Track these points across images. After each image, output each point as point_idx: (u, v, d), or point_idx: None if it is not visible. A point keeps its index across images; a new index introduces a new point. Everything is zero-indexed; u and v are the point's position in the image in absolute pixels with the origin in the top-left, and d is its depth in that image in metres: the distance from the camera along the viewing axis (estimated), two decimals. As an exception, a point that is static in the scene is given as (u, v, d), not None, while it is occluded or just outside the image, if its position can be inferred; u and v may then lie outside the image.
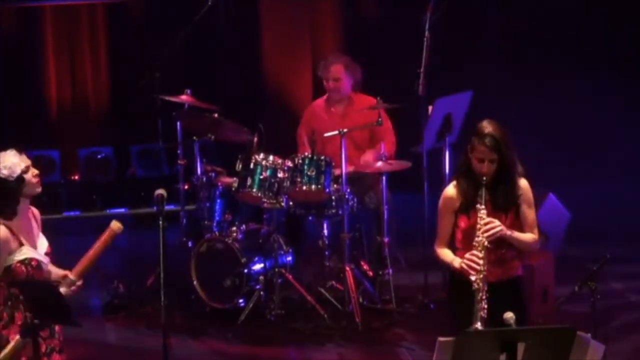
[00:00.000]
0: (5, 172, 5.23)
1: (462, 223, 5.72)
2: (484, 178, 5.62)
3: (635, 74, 12.17)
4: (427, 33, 8.25)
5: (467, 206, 5.69)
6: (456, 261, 5.68)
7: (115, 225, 5.33)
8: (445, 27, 8.71)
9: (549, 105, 12.27)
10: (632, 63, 12.20)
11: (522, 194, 5.72)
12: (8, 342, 5.14)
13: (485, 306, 5.50)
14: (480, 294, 5.51)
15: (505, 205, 5.70)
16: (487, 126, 5.65)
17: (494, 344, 4.52)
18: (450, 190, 5.78)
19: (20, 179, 5.26)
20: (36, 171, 5.35)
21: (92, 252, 5.34)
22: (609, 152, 12.13)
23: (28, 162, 5.34)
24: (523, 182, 5.74)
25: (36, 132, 12.31)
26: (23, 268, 5.18)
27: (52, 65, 12.31)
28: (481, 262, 5.55)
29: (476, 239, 5.60)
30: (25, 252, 5.20)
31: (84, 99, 12.32)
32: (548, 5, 12.32)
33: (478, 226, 5.60)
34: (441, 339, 4.56)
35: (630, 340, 7.49)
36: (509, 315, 4.97)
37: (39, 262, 5.22)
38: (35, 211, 5.44)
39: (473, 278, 5.54)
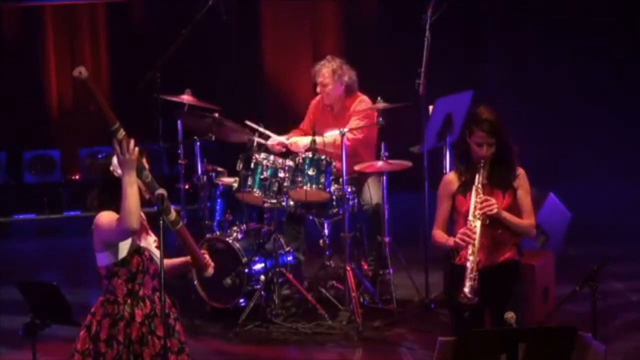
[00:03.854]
0: (117, 170, 5.18)
1: (461, 206, 5.81)
2: (482, 161, 5.77)
3: (638, 74, 12.19)
4: (427, 33, 8.25)
5: (465, 188, 5.81)
6: (450, 239, 5.77)
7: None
8: (445, 26, 8.70)
9: (549, 105, 12.28)
10: (634, 62, 12.21)
11: (519, 177, 5.85)
12: (130, 340, 5.10)
13: (476, 276, 5.60)
14: (472, 265, 5.60)
15: (502, 184, 5.83)
16: (483, 112, 5.83)
17: (495, 343, 4.52)
18: (449, 175, 5.97)
19: None
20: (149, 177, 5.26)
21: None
22: (609, 151, 12.14)
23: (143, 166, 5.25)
24: (520, 169, 5.89)
25: (37, 131, 12.33)
26: (138, 258, 5.16)
27: (53, 64, 12.32)
28: (474, 235, 5.65)
29: (470, 216, 5.70)
30: (140, 242, 5.17)
31: (85, 98, 12.32)
32: (548, 4, 12.33)
33: (473, 202, 5.69)
34: (442, 338, 4.56)
35: (630, 340, 7.49)
36: (510, 315, 4.98)
37: (150, 254, 5.20)
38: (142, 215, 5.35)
39: (468, 251, 5.62)
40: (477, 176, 5.77)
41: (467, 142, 5.83)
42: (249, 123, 8.50)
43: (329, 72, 8.53)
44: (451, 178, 5.93)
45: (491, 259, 5.78)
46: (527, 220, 5.85)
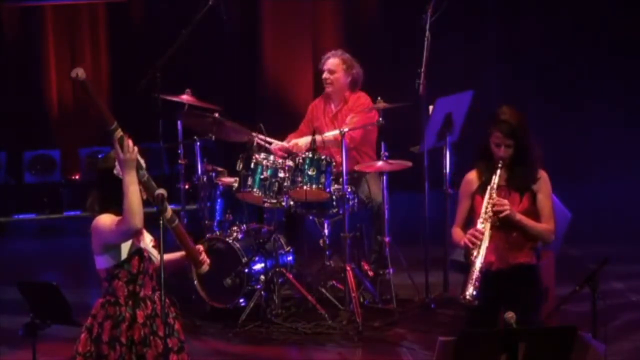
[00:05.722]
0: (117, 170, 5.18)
1: (478, 206, 5.80)
2: (500, 162, 5.74)
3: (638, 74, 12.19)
4: (427, 33, 8.26)
5: (484, 188, 5.79)
6: (463, 239, 5.77)
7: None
8: (445, 26, 8.71)
9: (549, 104, 12.27)
10: (636, 61, 12.21)
11: (540, 180, 5.83)
12: (133, 342, 5.09)
13: (479, 278, 5.58)
14: (476, 267, 5.59)
15: (521, 187, 5.79)
16: (504, 112, 5.81)
17: (495, 344, 4.52)
18: (470, 174, 5.94)
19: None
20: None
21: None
22: (609, 152, 12.13)
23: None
24: (543, 172, 5.86)
25: (37, 131, 12.34)
26: (138, 259, 5.14)
27: (53, 64, 12.33)
28: (482, 236, 5.64)
29: (480, 217, 5.70)
30: (138, 244, 5.17)
31: (85, 99, 12.31)
32: (548, 4, 12.33)
33: (485, 203, 5.67)
34: (442, 338, 4.56)
35: (630, 340, 7.48)
36: (510, 315, 4.98)
37: (149, 255, 5.20)
38: None
39: (473, 253, 5.62)
40: (493, 177, 5.75)
41: (489, 141, 5.81)
42: (254, 135, 8.46)
43: (338, 60, 8.60)
44: (472, 177, 5.91)
45: (505, 261, 5.75)
46: (545, 225, 5.80)
